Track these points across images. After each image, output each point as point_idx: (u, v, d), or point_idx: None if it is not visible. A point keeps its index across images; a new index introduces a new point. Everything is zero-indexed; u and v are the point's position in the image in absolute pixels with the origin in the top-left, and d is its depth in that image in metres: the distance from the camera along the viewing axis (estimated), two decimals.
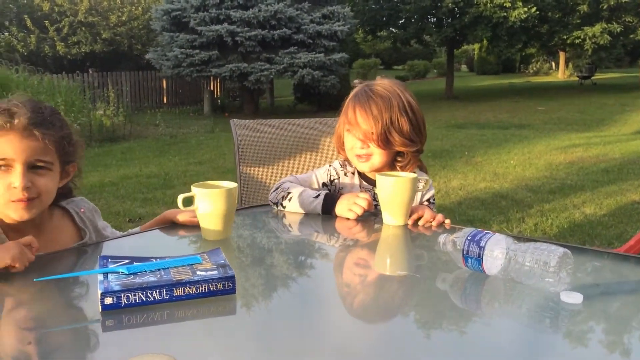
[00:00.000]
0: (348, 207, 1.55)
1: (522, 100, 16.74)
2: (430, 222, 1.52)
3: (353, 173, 1.75)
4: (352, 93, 1.70)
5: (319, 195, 1.62)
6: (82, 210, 1.47)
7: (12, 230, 1.29)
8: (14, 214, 1.25)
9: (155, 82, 15.54)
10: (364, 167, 1.69)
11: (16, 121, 1.22)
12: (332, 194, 1.65)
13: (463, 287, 1.12)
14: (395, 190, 1.50)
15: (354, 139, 1.65)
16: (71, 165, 1.38)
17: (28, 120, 1.23)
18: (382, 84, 1.67)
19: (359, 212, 1.54)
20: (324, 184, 1.74)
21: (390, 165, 1.69)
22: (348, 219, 1.55)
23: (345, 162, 1.76)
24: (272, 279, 1.17)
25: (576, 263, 1.06)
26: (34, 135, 1.23)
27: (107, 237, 1.48)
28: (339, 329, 0.94)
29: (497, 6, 16.44)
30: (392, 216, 1.52)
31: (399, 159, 1.69)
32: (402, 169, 1.68)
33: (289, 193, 1.65)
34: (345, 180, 1.74)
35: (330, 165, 1.77)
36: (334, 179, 1.74)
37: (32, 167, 1.24)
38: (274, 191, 1.69)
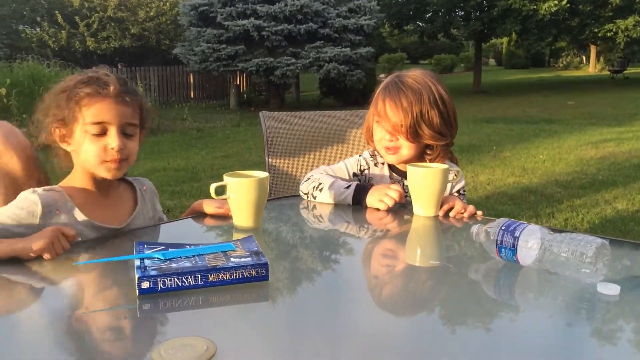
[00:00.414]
0: (379, 197, 1.55)
1: (551, 95, 16.46)
2: (462, 213, 1.51)
3: (383, 164, 1.75)
4: (382, 84, 1.69)
5: (349, 185, 1.62)
6: (145, 188, 1.55)
7: (83, 194, 1.37)
8: (106, 173, 1.35)
9: (183, 77, 15.71)
10: (392, 159, 1.68)
11: (111, 88, 1.33)
12: (363, 184, 1.65)
13: (496, 278, 1.11)
14: (426, 181, 1.49)
15: (382, 131, 1.65)
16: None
17: (119, 88, 1.34)
18: (414, 75, 1.65)
19: (390, 203, 1.54)
20: (354, 174, 1.74)
21: (419, 157, 1.68)
22: (378, 210, 1.55)
23: (375, 152, 1.76)
24: (302, 269, 1.18)
25: (613, 255, 1.04)
26: (125, 101, 1.35)
27: (161, 220, 1.57)
28: (370, 319, 0.94)
29: None
30: (423, 207, 1.51)
31: (428, 151, 1.68)
32: (431, 161, 1.66)
33: (320, 183, 1.65)
34: (375, 170, 1.74)
35: (360, 156, 1.77)
36: (364, 169, 1.74)
37: (123, 131, 1.35)
38: (305, 181, 1.70)
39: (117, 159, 1.33)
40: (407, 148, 1.63)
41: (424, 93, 1.60)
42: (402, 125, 1.59)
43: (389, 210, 1.55)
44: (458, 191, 1.73)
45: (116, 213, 1.43)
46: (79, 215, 1.33)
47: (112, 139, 1.32)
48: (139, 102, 1.40)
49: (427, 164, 1.60)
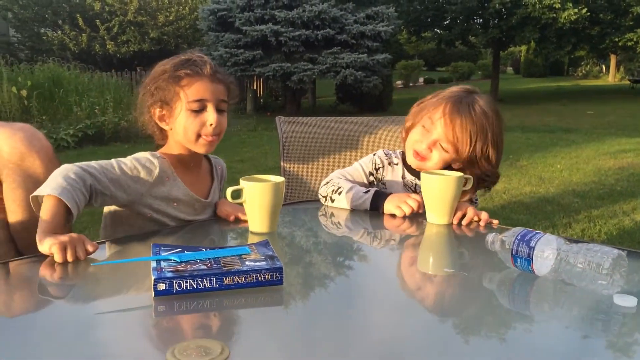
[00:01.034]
0: (397, 204, 1.55)
1: (570, 104, 16.32)
2: (475, 220, 1.51)
3: (397, 164, 1.74)
4: (447, 93, 1.63)
5: (368, 191, 1.62)
6: (220, 167, 1.71)
7: (178, 167, 1.52)
8: (201, 148, 1.50)
9: None
10: (414, 163, 1.67)
11: (207, 68, 1.46)
12: (382, 191, 1.64)
13: (511, 288, 1.11)
14: (440, 189, 1.49)
15: (423, 136, 1.62)
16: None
17: (213, 68, 1.48)
18: (485, 104, 1.59)
19: (407, 211, 1.53)
20: (370, 173, 1.74)
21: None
22: (395, 216, 1.55)
23: (390, 152, 1.76)
24: (316, 274, 1.18)
25: (630, 267, 1.03)
26: (218, 79, 1.48)
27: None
28: (383, 326, 0.94)
29: (546, 7, 16.05)
30: (437, 215, 1.51)
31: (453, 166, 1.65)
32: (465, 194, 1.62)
33: (339, 187, 1.65)
34: (388, 169, 1.74)
35: (374, 155, 1.77)
36: (378, 167, 1.74)
37: (217, 107, 1.48)
38: (324, 185, 1.71)
39: (212, 134, 1.48)
40: (434, 163, 1.61)
41: (488, 129, 1.57)
42: (461, 150, 1.56)
43: (405, 217, 1.55)
44: (470, 199, 1.72)
45: (201, 187, 1.59)
46: (181, 185, 1.51)
47: (210, 115, 1.46)
48: (227, 81, 1.53)
49: (441, 171, 1.60)
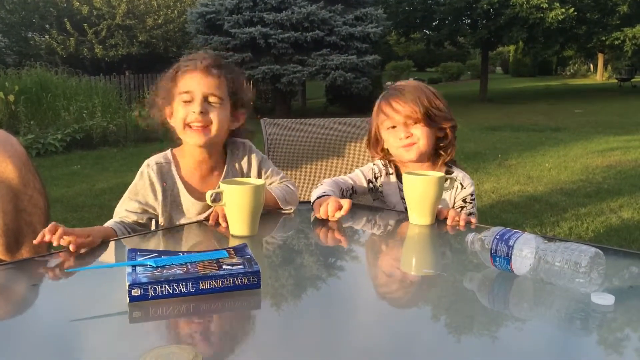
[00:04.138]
0: (320, 204, 1.54)
1: (558, 103, 16.41)
2: (457, 220, 1.50)
3: (392, 174, 1.80)
4: (379, 99, 1.79)
5: (326, 193, 1.63)
6: (237, 151, 1.68)
7: (188, 167, 1.60)
8: (191, 139, 1.53)
9: None
10: (412, 155, 1.71)
11: (199, 62, 1.53)
12: (332, 196, 1.63)
13: (491, 287, 1.11)
14: (421, 189, 1.48)
15: (397, 132, 1.71)
16: (241, 112, 1.64)
17: (209, 63, 1.53)
18: (405, 82, 1.80)
19: (321, 213, 1.51)
20: (369, 180, 1.80)
21: (434, 152, 1.75)
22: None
23: (387, 162, 1.81)
24: (297, 277, 1.17)
25: (612, 266, 1.03)
26: (212, 73, 1.52)
27: (272, 173, 1.72)
28: (362, 328, 0.94)
29: (534, 7, 16.14)
30: (419, 215, 1.50)
31: (440, 144, 1.75)
32: (446, 150, 1.75)
33: (321, 184, 1.71)
34: (385, 178, 1.80)
35: (373, 164, 1.83)
36: (377, 176, 1.80)
37: (208, 101, 1.52)
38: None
39: (198, 123, 1.50)
40: (423, 138, 1.69)
41: (421, 87, 1.74)
42: (417, 111, 1.67)
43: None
44: (464, 199, 1.73)
45: (209, 183, 1.60)
46: (180, 187, 1.57)
47: (195, 105, 1.50)
48: (228, 77, 1.56)
49: (424, 172, 1.60)
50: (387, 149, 1.79)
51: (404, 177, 1.53)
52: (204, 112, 1.50)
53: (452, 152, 1.76)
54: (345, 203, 1.50)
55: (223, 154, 1.66)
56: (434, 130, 1.71)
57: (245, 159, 1.68)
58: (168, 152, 1.63)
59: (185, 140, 1.57)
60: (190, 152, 1.60)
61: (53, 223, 1.22)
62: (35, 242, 1.18)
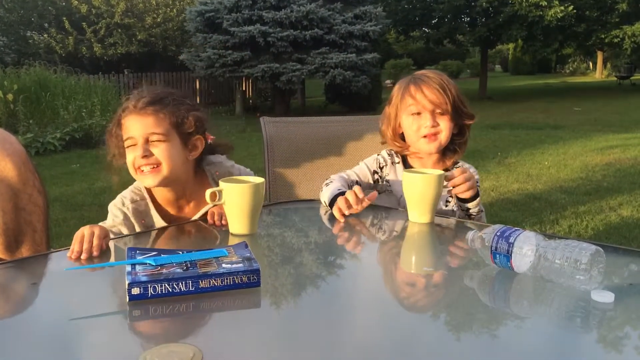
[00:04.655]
0: (338, 203, 1.53)
1: (557, 101, 16.40)
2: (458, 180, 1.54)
3: (398, 163, 1.79)
4: (400, 84, 1.75)
5: (340, 189, 1.62)
6: (217, 173, 1.64)
7: (164, 200, 1.58)
8: (144, 181, 1.50)
9: (189, 83, 15.76)
10: (432, 147, 1.70)
11: (131, 103, 1.48)
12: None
13: (491, 285, 1.10)
14: (421, 187, 1.48)
15: (422, 119, 1.68)
16: (196, 139, 1.57)
17: (144, 102, 1.47)
18: (431, 72, 1.74)
19: (343, 207, 1.51)
20: (374, 172, 1.79)
21: (449, 147, 1.74)
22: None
23: (392, 152, 1.80)
24: (298, 276, 1.17)
25: (611, 264, 1.03)
26: (147, 113, 1.47)
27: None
28: (362, 326, 0.94)
29: (533, 5, 16.12)
30: (418, 213, 1.50)
31: (455, 139, 1.74)
32: (460, 147, 1.75)
33: (331, 182, 1.70)
34: (392, 168, 1.79)
35: (378, 155, 1.82)
36: (382, 166, 1.80)
37: (149, 140, 1.47)
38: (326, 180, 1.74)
39: (146, 167, 1.46)
40: (446, 130, 1.68)
41: (448, 79, 1.70)
42: (446, 102, 1.65)
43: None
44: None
45: (191, 209, 1.60)
46: (158, 220, 1.55)
47: (136, 150, 1.46)
48: (170, 110, 1.49)
49: (424, 169, 1.60)
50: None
51: (404, 175, 1.52)
52: (147, 155, 1.46)
53: (464, 150, 1.76)
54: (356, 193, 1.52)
55: (200, 177, 1.63)
56: (454, 125, 1.70)
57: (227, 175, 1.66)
58: (141, 186, 1.58)
59: (141, 183, 1.55)
60: (158, 190, 1.57)
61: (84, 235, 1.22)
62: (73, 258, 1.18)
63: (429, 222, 1.50)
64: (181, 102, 1.55)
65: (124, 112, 1.50)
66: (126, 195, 1.56)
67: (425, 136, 1.68)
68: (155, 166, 1.47)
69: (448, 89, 1.66)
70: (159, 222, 1.55)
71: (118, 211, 1.54)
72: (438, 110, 1.66)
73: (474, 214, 1.64)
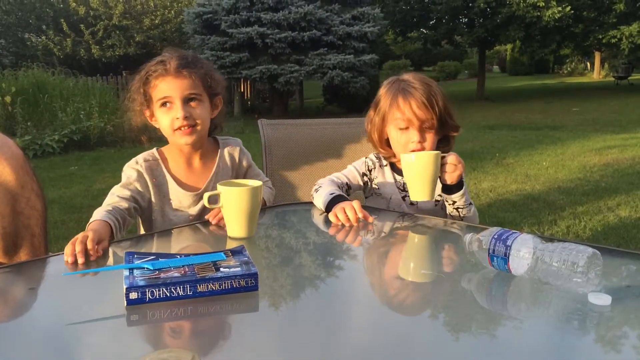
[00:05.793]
0: (337, 211, 1.54)
1: (555, 101, 16.42)
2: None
3: (386, 165, 1.81)
4: (384, 91, 1.74)
5: (333, 193, 1.63)
6: (230, 155, 1.77)
7: (173, 162, 1.67)
8: (181, 140, 1.59)
9: None
10: None
11: (168, 66, 1.55)
12: (343, 196, 1.65)
13: (489, 288, 1.11)
14: (420, 165, 1.53)
15: (409, 134, 1.68)
16: (217, 99, 1.68)
17: (177, 64, 1.55)
18: (412, 76, 1.73)
19: (342, 219, 1.51)
20: (363, 174, 1.81)
21: None
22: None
23: (380, 155, 1.82)
24: (297, 278, 1.17)
25: (609, 266, 1.03)
26: (183, 74, 1.55)
27: (254, 176, 1.80)
28: (361, 328, 0.94)
29: (531, 6, 16.15)
30: (419, 192, 1.55)
31: (441, 146, 1.74)
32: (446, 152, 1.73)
33: (320, 187, 1.71)
34: (380, 171, 1.81)
35: (366, 158, 1.84)
36: (370, 169, 1.82)
37: (187, 101, 1.57)
38: (314, 186, 1.76)
39: (185, 126, 1.56)
40: (430, 143, 1.69)
41: (436, 89, 1.68)
42: (432, 118, 1.65)
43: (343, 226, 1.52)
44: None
45: (199, 177, 1.68)
46: (169, 181, 1.64)
47: (176, 111, 1.55)
48: (199, 73, 1.59)
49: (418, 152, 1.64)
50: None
51: (402, 156, 1.58)
52: (187, 116, 1.56)
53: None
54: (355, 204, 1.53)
55: (210, 141, 1.74)
56: (440, 136, 1.72)
57: (238, 149, 1.80)
58: (154, 150, 1.69)
59: (176, 142, 1.62)
60: (179, 150, 1.66)
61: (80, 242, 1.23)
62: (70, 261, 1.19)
63: (429, 199, 1.55)
64: (205, 63, 1.66)
65: (154, 75, 1.56)
66: (139, 157, 1.66)
67: (412, 150, 1.68)
68: (192, 126, 1.57)
69: (435, 103, 1.65)
70: (170, 181, 1.65)
71: (131, 170, 1.63)
72: (425, 125, 1.67)
73: (461, 206, 1.65)
